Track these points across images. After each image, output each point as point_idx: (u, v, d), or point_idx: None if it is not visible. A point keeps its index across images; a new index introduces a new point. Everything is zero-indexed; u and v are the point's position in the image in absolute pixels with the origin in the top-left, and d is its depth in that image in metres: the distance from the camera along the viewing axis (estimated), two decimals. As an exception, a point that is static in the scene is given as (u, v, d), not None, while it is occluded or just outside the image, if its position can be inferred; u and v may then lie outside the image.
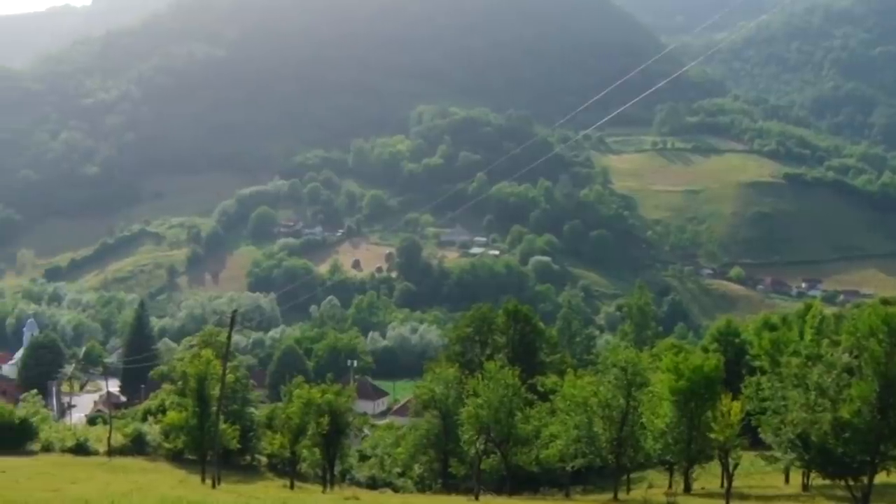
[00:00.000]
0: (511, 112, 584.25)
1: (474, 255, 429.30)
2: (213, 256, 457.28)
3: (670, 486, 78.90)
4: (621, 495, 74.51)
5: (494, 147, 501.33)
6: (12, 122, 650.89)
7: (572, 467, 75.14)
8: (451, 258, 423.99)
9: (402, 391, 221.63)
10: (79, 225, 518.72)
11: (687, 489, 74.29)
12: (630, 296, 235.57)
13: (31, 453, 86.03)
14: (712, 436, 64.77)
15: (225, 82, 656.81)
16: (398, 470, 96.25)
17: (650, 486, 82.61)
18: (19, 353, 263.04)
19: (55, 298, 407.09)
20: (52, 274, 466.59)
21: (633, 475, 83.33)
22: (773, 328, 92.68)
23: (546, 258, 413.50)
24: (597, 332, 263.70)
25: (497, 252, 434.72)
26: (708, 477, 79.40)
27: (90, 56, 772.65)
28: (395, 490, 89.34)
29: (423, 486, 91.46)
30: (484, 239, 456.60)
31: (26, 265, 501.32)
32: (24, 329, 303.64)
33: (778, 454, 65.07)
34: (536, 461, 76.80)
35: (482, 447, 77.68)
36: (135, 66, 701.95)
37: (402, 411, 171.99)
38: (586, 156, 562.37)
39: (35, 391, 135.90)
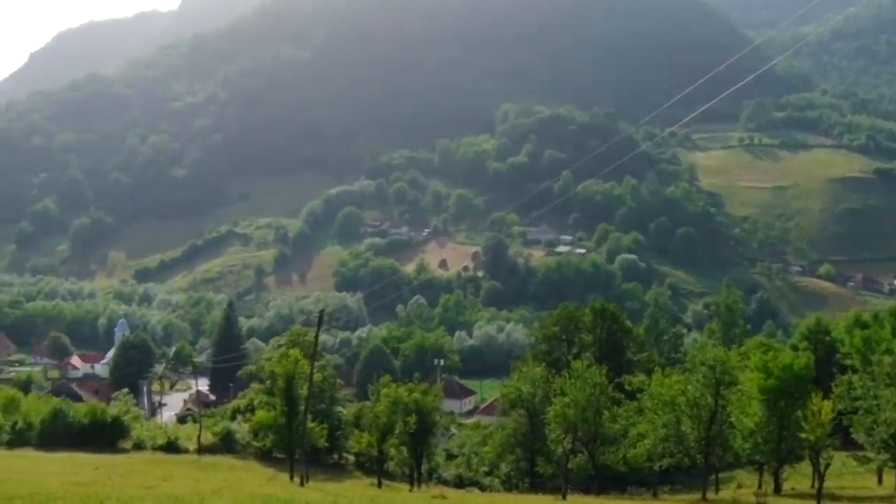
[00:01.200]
0: (596, 110, 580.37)
1: (560, 253, 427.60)
2: (300, 256, 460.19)
3: (760, 487, 78.09)
4: (710, 495, 73.85)
5: (580, 145, 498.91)
6: (103, 126, 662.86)
7: (660, 467, 74.62)
8: (538, 257, 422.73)
9: (489, 390, 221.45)
10: (168, 226, 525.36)
11: (777, 490, 73.40)
12: (717, 294, 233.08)
13: (123, 451, 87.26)
14: (803, 435, 64.00)
15: (311, 83, 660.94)
16: (485, 469, 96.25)
17: (739, 487, 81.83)
18: (111, 353, 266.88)
19: (145, 299, 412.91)
20: (142, 275, 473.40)
21: (721, 475, 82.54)
22: (864, 326, 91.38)
23: (632, 256, 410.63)
24: (684, 331, 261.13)
25: (583, 250, 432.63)
26: (798, 477, 78.45)
27: (177, 60, 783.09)
28: (482, 489, 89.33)
29: (509, 486, 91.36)
30: (570, 237, 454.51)
31: (117, 266, 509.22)
32: (116, 329, 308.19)
33: (871, 454, 64.24)
34: (624, 460, 76.40)
35: (569, 446, 77.36)
36: (221, 69, 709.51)
37: (488, 410, 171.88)
38: (672, 153, 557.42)
39: (126, 390, 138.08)
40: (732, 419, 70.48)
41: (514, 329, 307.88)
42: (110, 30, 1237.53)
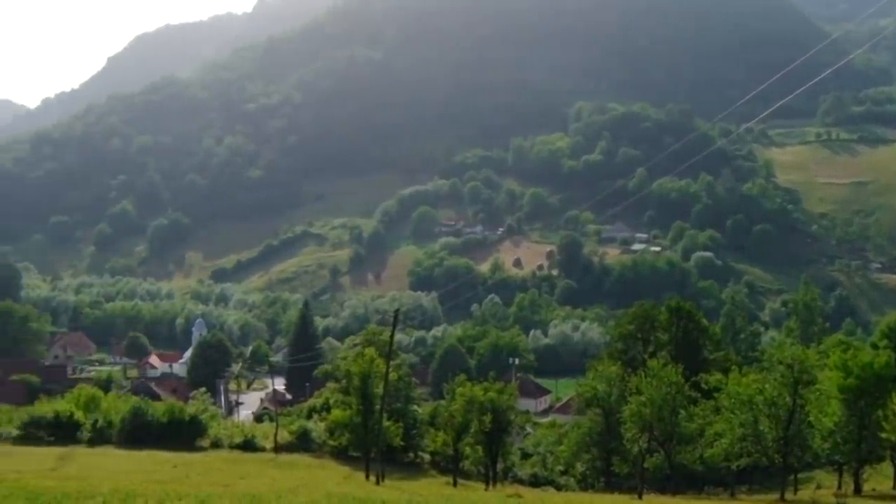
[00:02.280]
0: (671, 106, 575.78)
1: (635, 251, 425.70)
2: (374, 256, 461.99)
3: (839, 487, 77.10)
4: (788, 496, 73.02)
5: (654, 142, 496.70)
6: (179, 128, 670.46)
7: (737, 466, 73.98)
8: (613, 255, 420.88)
9: (565, 389, 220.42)
10: (244, 227, 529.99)
11: (857, 491, 72.44)
12: (795, 291, 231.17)
13: (201, 449, 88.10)
14: (884, 435, 63.16)
15: (384, 84, 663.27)
16: (560, 468, 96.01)
17: (818, 487, 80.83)
18: (188, 353, 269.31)
19: (222, 299, 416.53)
20: (219, 275, 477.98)
21: (800, 475, 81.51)
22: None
23: (708, 254, 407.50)
24: (761, 329, 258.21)
25: (658, 248, 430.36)
26: (879, 478, 77.40)
27: (252, 62, 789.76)
28: (558, 488, 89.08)
29: (585, 485, 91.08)
30: (645, 235, 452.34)
31: (194, 267, 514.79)
32: (193, 329, 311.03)
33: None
34: (701, 460, 75.76)
35: (645, 445, 76.97)
36: (296, 71, 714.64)
37: (564, 409, 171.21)
38: (748, 149, 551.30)
39: (204, 389, 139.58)
40: (811, 419, 69.69)
41: (590, 328, 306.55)
42: (186, 33, 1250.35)
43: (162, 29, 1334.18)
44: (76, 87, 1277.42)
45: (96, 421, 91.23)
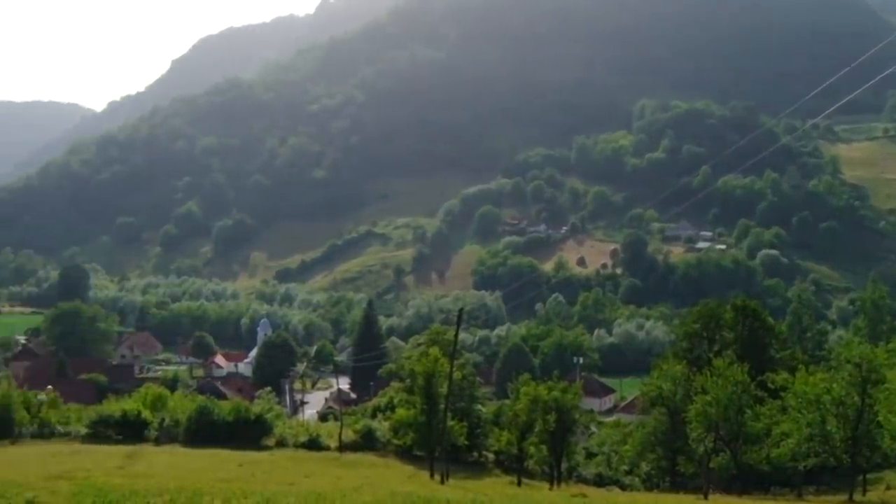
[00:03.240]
0: (735, 103, 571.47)
1: (700, 249, 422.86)
2: (438, 256, 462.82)
3: (910, 487, 76.16)
4: (857, 496, 72.09)
5: (718, 139, 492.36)
6: (243, 129, 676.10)
7: (805, 467, 73.16)
8: (677, 253, 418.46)
9: (629, 388, 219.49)
10: (308, 227, 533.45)
11: (928, 490, 71.53)
12: (863, 289, 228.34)
13: (266, 448, 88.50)
14: (955, 435, 62.23)
15: (446, 83, 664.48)
16: (625, 468, 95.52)
17: (888, 488, 79.73)
18: (253, 352, 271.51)
19: (287, 299, 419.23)
20: (283, 275, 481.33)
21: (869, 476, 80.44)
22: None
23: (774, 252, 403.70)
24: (829, 328, 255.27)
25: (723, 246, 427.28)
26: (951, 478, 76.34)
27: (314, 63, 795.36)
28: (623, 488, 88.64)
29: (650, 484, 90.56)
30: (710, 233, 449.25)
31: (258, 267, 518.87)
32: (258, 329, 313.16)
33: None
34: (767, 460, 75.04)
35: (711, 445, 76.36)
36: (358, 71, 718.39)
37: (628, 408, 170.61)
38: (814, 145, 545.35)
39: (269, 388, 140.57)
40: (880, 418, 68.73)
41: (654, 326, 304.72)
42: (249, 35, 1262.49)
43: (225, 31, 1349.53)
44: (141, 90, 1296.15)
45: (163, 420, 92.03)
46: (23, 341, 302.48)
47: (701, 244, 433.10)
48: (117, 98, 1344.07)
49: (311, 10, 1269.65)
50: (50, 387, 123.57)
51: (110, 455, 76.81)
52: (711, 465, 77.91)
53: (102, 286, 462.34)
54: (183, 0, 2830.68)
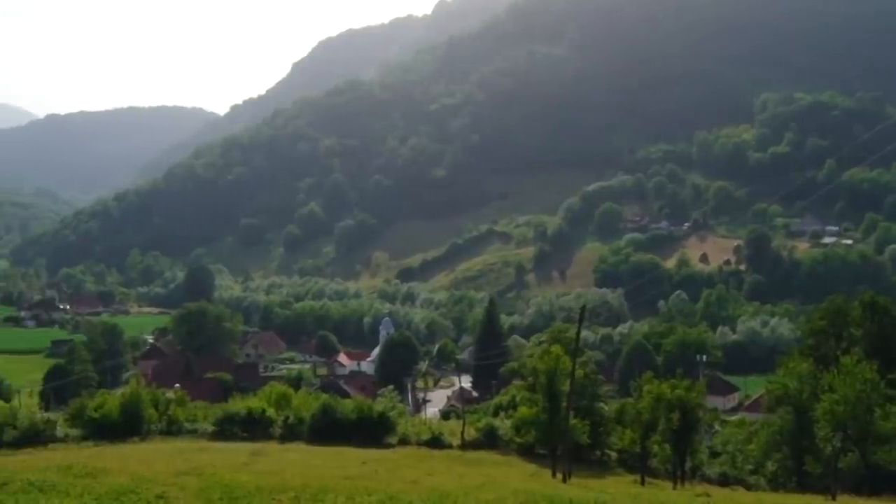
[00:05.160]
0: (861, 94, 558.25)
1: (826, 244, 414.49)
2: (559, 253, 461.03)
3: None
4: None
5: (844, 132, 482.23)
6: (364, 130, 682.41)
7: (938, 467, 71.66)
8: (802, 249, 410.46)
9: (753, 386, 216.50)
10: (429, 226, 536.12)
11: None
12: None
13: (389, 446, 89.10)
14: None
15: (565, 80, 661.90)
16: (750, 467, 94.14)
17: None
18: (376, 351, 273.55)
19: (408, 298, 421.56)
20: (405, 274, 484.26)
21: None
22: None
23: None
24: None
25: (850, 241, 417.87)
26: None
27: (433, 63, 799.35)
28: (748, 488, 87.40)
29: (776, 485, 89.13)
30: (836, 228, 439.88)
31: (380, 266, 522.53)
32: (381, 328, 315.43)
33: None
34: (898, 460, 73.64)
35: (839, 445, 75.04)
36: (477, 70, 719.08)
37: (753, 407, 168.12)
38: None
39: (392, 387, 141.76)
40: None
41: (779, 324, 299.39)
42: (368, 37, 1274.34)
43: (344, 34, 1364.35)
44: (263, 93, 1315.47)
45: (287, 418, 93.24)
46: (151, 341, 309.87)
47: (826, 239, 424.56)
48: (239, 102, 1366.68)
49: (429, 11, 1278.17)
50: (177, 385, 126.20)
51: (236, 452, 78.10)
52: (839, 465, 76.60)
53: (227, 286, 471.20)
54: (302, 4, 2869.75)
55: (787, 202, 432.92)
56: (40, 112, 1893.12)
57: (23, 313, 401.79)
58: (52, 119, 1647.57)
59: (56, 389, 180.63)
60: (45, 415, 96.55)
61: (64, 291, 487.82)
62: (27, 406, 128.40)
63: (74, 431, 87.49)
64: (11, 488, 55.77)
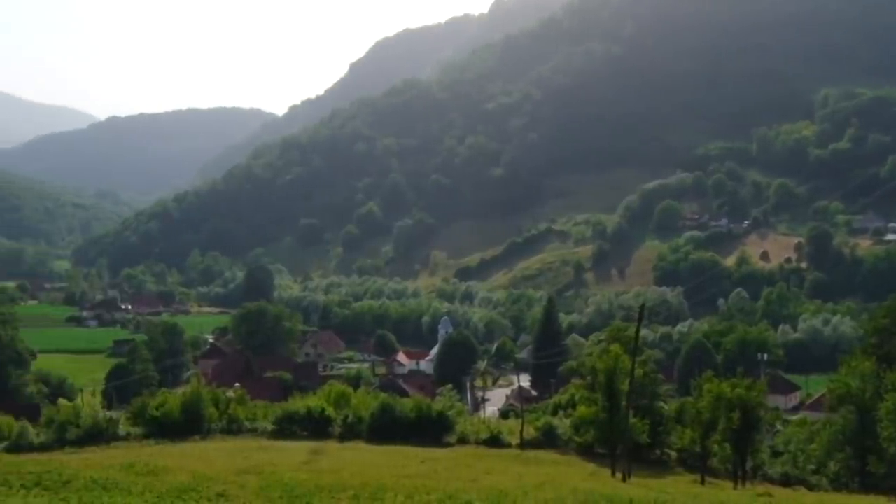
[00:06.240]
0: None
1: (889, 242, 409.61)
2: (618, 252, 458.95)
3: None
4: None
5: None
6: (421, 129, 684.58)
7: None
8: (864, 246, 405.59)
9: (815, 385, 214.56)
10: (487, 225, 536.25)
11: None
12: None
13: (448, 445, 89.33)
14: None
15: (623, 78, 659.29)
16: (812, 467, 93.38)
17: None
18: (435, 350, 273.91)
19: (467, 297, 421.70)
20: (463, 273, 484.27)
21: None
22: None
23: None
24: None
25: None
26: None
27: (490, 62, 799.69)
28: (810, 488, 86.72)
29: (838, 485, 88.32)
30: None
31: (439, 266, 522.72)
32: (439, 327, 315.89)
33: None
34: (964, 460, 72.77)
35: (903, 444, 74.37)
36: (534, 68, 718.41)
37: (815, 406, 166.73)
38: None
39: (450, 386, 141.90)
40: None
41: (841, 322, 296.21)
42: (425, 36, 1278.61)
43: (401, 34, 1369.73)
44: (321, 93, 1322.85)
45: (346, 417, 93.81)
46: (211, 340, 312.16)
47: (889, 236, 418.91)
48: (298, 102, 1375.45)
49: (486, 10, 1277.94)
50: (237, 384, 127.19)
51: (296, 451, 78.71)
52: (904, 465, 75.82)
53: (286, 286, 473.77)
54: (359, 5, 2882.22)
55: (849, 199, 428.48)
56: (101, 114, 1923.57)
57: (85, 313, 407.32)
58: (113, 121, 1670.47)
59: (118, 388, 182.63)
60: (108, 414, 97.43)
61: (125, 292, 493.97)
62: (90, 405, 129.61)
63: (136, 430, 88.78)
64: (75, 486, 56.58)
